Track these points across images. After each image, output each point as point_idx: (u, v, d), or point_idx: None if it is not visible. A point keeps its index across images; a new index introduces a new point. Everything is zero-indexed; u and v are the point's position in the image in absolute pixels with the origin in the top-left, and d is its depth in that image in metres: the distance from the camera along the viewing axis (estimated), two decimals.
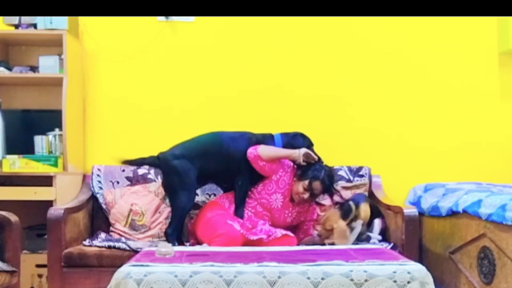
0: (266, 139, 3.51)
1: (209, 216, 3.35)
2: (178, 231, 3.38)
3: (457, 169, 4.09)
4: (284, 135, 3.57)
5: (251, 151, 3.38)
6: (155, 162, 3.46)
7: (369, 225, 3.51)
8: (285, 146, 3.50)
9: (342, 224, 3.39)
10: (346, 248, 3.00)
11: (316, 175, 3.42)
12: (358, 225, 3.42)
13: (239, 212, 3.39)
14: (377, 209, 3.63)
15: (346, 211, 3.47)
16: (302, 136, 3.59)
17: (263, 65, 4.09)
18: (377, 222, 3.48)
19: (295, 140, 3.52)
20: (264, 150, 3.39)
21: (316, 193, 3.45)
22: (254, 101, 4.08)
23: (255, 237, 3.21)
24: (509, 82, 4.16)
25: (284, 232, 3.34)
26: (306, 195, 3.42)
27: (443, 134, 4.13)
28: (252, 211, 3.45)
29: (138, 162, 3.54)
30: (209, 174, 3.45)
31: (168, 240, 3.32)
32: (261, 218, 3.44)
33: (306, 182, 3.41)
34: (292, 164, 3.50)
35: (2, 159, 3.61)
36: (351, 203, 3.53)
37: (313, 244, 3.36)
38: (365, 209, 3.50)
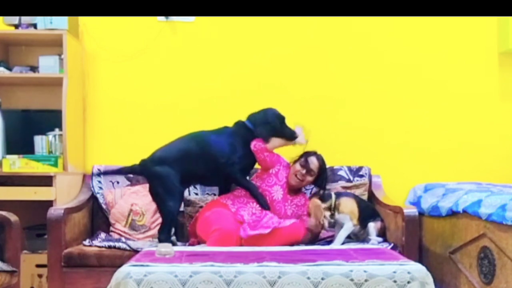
0: (246, 131, 3.50)
1: (207, 214, 3.36)
2: (169, 234, 3.37)
3: (457, 169, 4.09)
4: (252, 118, 3.56)
5: (255, 143, 3.45)
6: (137, 169, 3.44)
7: (363, 228, 3.51)
8: (258, 126, 3.49)
9: (317, 201, 3.43)
10: (346, 248, 3.00)
11: (311, 152, 3.58)
12: (346, 221, 3.42)
13: (263, 205, 3.43)
14: (372, 211, 3.60)
15: (325, 196, 3.52)
16: (271, 111, 3.58)
17: (263, 65, 4.10)
18: (372, 225, 3.47)
19: (266, 116, 3.53)
20: (271, 144, 3.50)
21: (312, 167, 3.52)
22: (254, 101, 4.06)
23: (253, 232, 3.21)
24: (509, 82, 4.16)
25: (292, 220, 3.37)
26: (303, 171, 3.50)
27: (443, 134, 4.13)
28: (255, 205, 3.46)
29: (122, 171, 3.58)
30: (192, 175, 3.41)
31: (159, 242, 3.29)
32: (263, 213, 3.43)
33: (302, 159, 3.54)
34: (287, 161, 3.61)
35: (2, 159, 3.61)
36: (332, 192, 3.56)
37: (310, 243, 3.36)
38: (346, 203, 3.49)
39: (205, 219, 3.34)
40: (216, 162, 3.37)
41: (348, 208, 3.48)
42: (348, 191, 3.79)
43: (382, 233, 3.52)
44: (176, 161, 3.33)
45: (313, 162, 3.54)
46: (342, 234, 3.39)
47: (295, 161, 3.58)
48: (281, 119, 3.54)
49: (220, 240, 3.10)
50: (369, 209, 3.62)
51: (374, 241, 3.40)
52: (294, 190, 3.60)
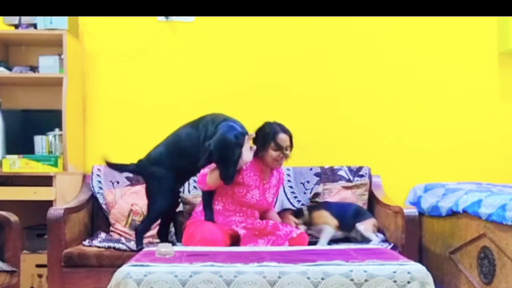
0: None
1: (190, 231, 3.28)
2: (146, 231, 3.37)
3: (457, 169, 4.09)
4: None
5: (199, 186, 3.27)
6: (136, 169, 3.45)
7: (349, 230, 3.53)
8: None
9: (289, 217, 3.51)
10: (346, 248, 3.00)
11: (266, 131, 3.31)
12: (324, 227, 3.48)
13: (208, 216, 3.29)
14: (356, 213, 3.58)
15: (297, 213, 3.58)
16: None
17: (263, 65, 4.10)
18: (362, 227, 3.47)
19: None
20: (211, 179, 3.19)
21: (287, 144, 3.31)
22: (254, 101, 4.08)
23: (242, 231, 3.20)
24: (509, 82, 4.16)
25: (299, 231, 3.31)
26: (280, 154, 3.29)
27: (443, 134, 4.14)
28: (240, 214, 3.33)
29: (121, 168, 3.54)
30: (186, 171, 3.38)
31: (136, 236, 3.31)
32: (251, 215, 3.37)
33: (271, 143, 3.28)
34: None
35: (2, 159, 3.62)
36: (303, 207, 3.62)
37: None
38: (319, 215, 3.53)
39: (189, 236, 3.26)
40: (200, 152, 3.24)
41: (322, 219, 3.51)
42: (349, 191, 3.80)
43: (377, 229, 3.53)
44: (169, 159, 3.32)
45: (283, 139, 3.30)
46: (322, 241, 3.43)
47: (261, 148, 3.29)
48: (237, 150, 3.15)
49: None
50: (351, 211, 3.58)
51: (375, 241, 3.40)
52: (264, 170, 3.40)
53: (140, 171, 3.44)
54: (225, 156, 3.09)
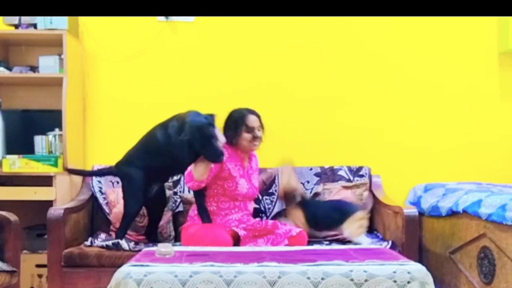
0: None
1: (191, 231, 3.30)
2: (125, 231, 3.39)
3: (457, 169, 4.09)
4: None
5: (189, 186, 3.28)
6: (113, 171, 3.52)
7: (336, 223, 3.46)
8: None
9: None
10: (346, 248, 3.00)
11: (241, 114, 3.37)
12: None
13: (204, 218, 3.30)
14: (343, 211, 3.47)
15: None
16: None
17: (263, 65, 4.10)
18: (347, 232, 3.39)
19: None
20: (197, 173, 3.20)
21: (255, 125, 3.35)
22: (254, 101, 4.06)
23: (243, 233, 3.21)
24: (509, 82, 4.16)
25: (298, 230, 3.30)
26: (253, 135, 3.33)
27: (443, 134, 4.14)
28: (236, 210, 3.37)
29: (98, 173, 3.67)
30: (163, 170, 3.39)
31: (116, 237, 3.36)
32: (244, 209, 3.38)
33: (243, 127, 3.33)
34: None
35: (2, 159, 3.62)
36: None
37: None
38: (292, 213, 3.48)
39: (190, 237, 3.26)
40: (171, 153, 3.24)
41: (292, 217, 3.45)
42: (349, 190, 3.80)
43: (367, 222, 3.51)
44: (140, 159, 3.35)
45: (252, 119, 3.35)
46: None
47: (231, 138, 3.31)
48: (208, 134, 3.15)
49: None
50: (336, 211, 3.47)
51: (365, 244, 3.33)
52: (246, 155, 3.45)
53: (116, 172, 3.51)
54: (204, 137, 3.12)
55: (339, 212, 3.46)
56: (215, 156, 3.14)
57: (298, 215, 3.45)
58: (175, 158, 3.22)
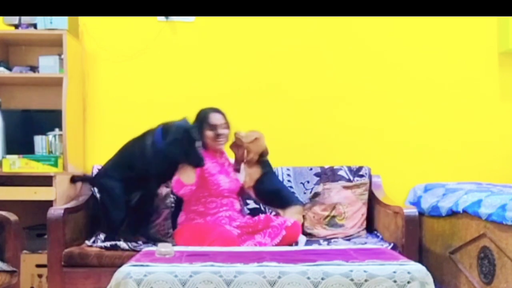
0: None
1: (194, 225, 3.34)
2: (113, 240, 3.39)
3: (457, 169, 4.09)
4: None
5: (181, 194, 3.34)
6: (91, 181, 3.65)
7: None
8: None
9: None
10: (346, 248, 3.00)
11: (204, 113, 3.43)
12: None
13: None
14: (284, 199, 3.55)
15: None
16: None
17: (263, 65, 4.10)
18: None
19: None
20: (186, 178, 3.29)
21: (217, 123, 3.40)
22: (254, 101, 4.08)
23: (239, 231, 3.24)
24: (509, 82, 4.16)
25: (292, 220, 3.32)
26: (215, 133, 3.39)
27: (443, 134, 4.14)
28: (225, 209, 3.39)
29: (84, 179, 3.77)
30: (134, 182, 3.41)
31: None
32: (231, 207, 3.41)
33: (206, 126, 3.39)
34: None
35: (2, 159, 3.62)
36: None
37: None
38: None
39: (193, 228, 3.30)
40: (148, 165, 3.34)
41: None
42: (348, 190, 3.80)
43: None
44: (118, 171, 3.41)
45: (215, 117, 3.42)
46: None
47: (201, 135, 3.37)
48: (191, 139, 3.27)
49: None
50: (279, 196, 3.53)
51: (300, 242, 3.36)
52: (216, 155, 3.49)
53: (93, 183, 3.61)
54: (190, 140, 3.21)
55: (281, 197, 3.53)
56: (198, 159, 3.23)
57: (253, 174, 3.47)
58: (148, 169, 3.31)
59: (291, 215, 3.42)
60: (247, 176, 3.48)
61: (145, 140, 3.40)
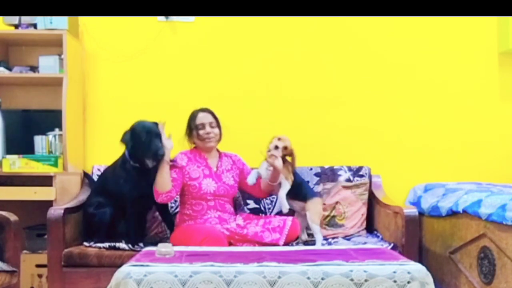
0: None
1: (184, 226, 3.35)
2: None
3: (457, 169, 4.09)
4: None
5: (160, 201, 3.33)
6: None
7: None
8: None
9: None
10: (346, 248, 3.00)
11: (192, 115, 3.46)
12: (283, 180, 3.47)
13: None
14: (308, 190, 3.60)
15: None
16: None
17: (263, 65, 4.10)
18: (308, 214, 3.44)
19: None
20: (160, 184, 3.29)
21: (205, 121, 3.41)
22: (254, 101, 4.08)
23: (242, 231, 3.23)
24: (509, 82, 4.16)
25: (291, 218, 3.32)
26: (205, 131, 3.39)
27: (443, 134, 4.14)
28: (213, 211, 3.38)
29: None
30: (118, 208, 3.41)
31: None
32: (222, 209, 3.40)
33: (192, 128, 3.42)
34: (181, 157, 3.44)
35: (2, 159, 3.62)
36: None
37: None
38: (285, 168, 3.48)
39: (184, 230, 3.30)
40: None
41: (284, 173, 3.46)
42: (348, 190, 3.80)
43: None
44: (95, 197, 3.47)
45: (201, 116, 3.43)
46: (281, 193, 3.43)
47: (192, 136, 3.43)
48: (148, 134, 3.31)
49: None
50: (304, 184, 3.60)
51: (318, 239, 3.39)
52: (212, 155, 3.49)
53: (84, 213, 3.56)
54: (148, 132, 3.27)
55: (304, 190, 3.56)
56: (156, 148, 3.23)
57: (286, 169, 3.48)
58: (123, 188, 3.33)
59: (314, 205, 3.47)
60: (288, 173, 3.47)
61: (116, 162, 3.46)
